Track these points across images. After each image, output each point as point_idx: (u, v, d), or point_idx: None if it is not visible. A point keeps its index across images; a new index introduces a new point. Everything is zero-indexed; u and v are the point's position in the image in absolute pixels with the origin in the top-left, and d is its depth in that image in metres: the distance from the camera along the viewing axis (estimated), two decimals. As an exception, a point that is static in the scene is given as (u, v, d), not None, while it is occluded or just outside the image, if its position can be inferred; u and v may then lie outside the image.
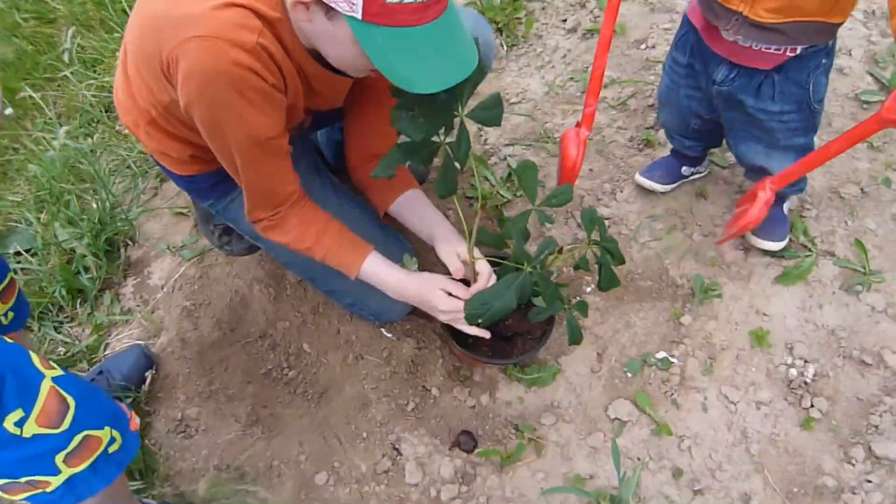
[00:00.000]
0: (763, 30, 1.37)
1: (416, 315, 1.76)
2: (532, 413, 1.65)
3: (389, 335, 1.77)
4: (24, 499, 1.04)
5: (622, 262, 1.48)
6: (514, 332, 1.66)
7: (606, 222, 1.91)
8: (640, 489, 1.53)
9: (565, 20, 2.43)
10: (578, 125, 1.63)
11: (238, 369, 1.80)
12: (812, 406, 1.60)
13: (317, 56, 1.30)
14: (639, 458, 1.56)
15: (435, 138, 1.22)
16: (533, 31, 2.41)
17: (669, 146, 1.93)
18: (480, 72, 1.75)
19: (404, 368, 1.72)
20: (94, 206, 2.04)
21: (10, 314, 1.35)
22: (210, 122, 1.25)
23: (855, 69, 2.15)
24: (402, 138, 1.21)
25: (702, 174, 1.97)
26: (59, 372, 1.04)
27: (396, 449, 1.62)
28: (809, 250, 1.81)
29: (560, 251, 1.50)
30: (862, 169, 1.95)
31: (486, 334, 1.51)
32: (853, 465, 1.52)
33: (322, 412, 1.72)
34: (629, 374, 1.68)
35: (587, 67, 2.27)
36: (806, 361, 1.66)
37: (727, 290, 1.77)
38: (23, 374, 0.98)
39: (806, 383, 1.63)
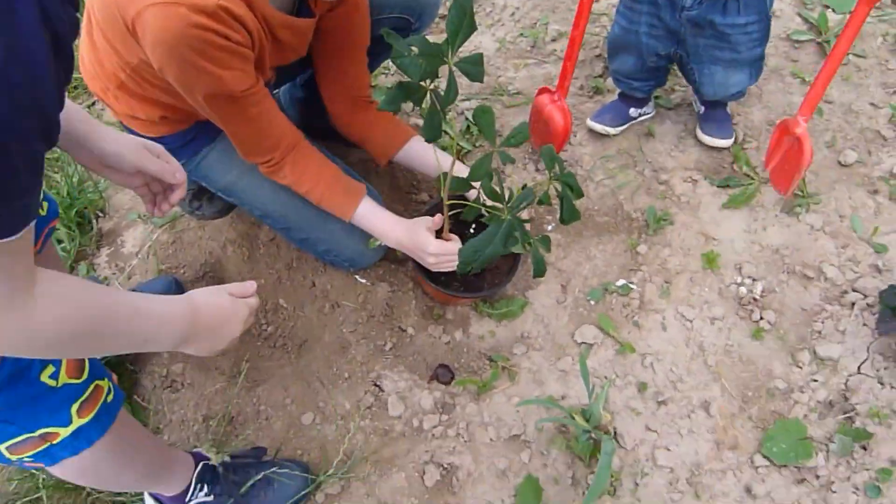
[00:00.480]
0: None
1: (388, 260, 1.84)
2: (504, 344, 1.75)
3: (364, 281, 1.84)
4: (29, 456, 1.05)
5: (581, 195, 1.57)
6: (483, 268, 1.74)
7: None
8: (608, 404, 1.63)
9: (513, -21, 2.52)
10: (548, 91, 1.72)
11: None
12: (761, 318, 1.72)
13: (278, 6, 1.37)
14: (606, 377, 1.67)
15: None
16: (484, -10, 2.50)
17: (617, 91, 2.04)
18: (431, 13, 1.85)
19: (380, 311, 1.80)
20: (60, 180, 2.06)
21: (45, 203, 1.32)
22: (183, 83, 1.32)
23: (786, 11, 2.29)
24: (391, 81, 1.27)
25: (649, 115, 2.08)
26: None
27: (378, 385, 1.70)
28: (752, 178, 1.94)
29: (524, 188, 1.60)
30: (796, 102, 2.08)
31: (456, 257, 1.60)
32: (800, 367, 1.66)
33: (304, 360, 1.78)
34: (592, 302, 1.78)
35: (535, 24, 2.37)
36: (754, 279, 1.79)
37: (678, 219, 1.89)
38: None
39: (755, 299, 1.76)
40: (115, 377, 1.21)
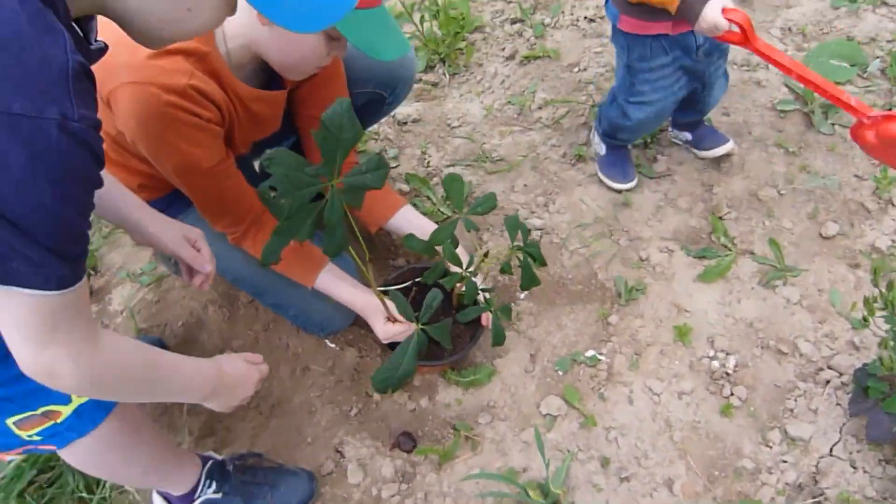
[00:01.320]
0: None
1: (358, 325, 1.86)
2: (469, 413, 1.74)
3: (333, 346, 1.87)
4: (37, 433, 1.09)
5: (543, 263, 1.60)
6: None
7: (538, 233, 2.02)
8: (569, 478, 1.60)
9: (504, 48, 2.58)
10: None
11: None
12: (732, 394, 1.69)
13: (248, 79, 1.45)
14: (568, 450, 1.64)
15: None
16: (474, 59, 2.56)
17: (602, 153, 2.07)
18: (405, 86, 1.91)
19: (347, 376, 1.81)
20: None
21: None
22: (154, 156, 1.41)
23: (772, 81, 2.29)
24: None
25: None
26: None
27: (340, 452, 1.70)
28: (729, 249, 1.92)
29: (486, 255, 1.62)
30: (779, 172, 2.07)
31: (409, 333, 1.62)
32: (770, 447, 1.61)
33: (273, 422, 1.79)
34: (560, 373, 1.77)
35: (524, 91, 2.41)
36: (727, 353, 1.76)
37: (652, 290, 1.87)
38: None
39: (727, 374, 1.72)
40: None
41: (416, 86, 2.52)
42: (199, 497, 1.52)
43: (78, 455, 1.23)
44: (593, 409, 1.70)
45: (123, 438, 1.25)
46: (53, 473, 1.68)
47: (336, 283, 1.66)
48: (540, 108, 2.36)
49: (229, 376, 1.29)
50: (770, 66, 2.31)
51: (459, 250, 1.56)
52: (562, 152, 2.23)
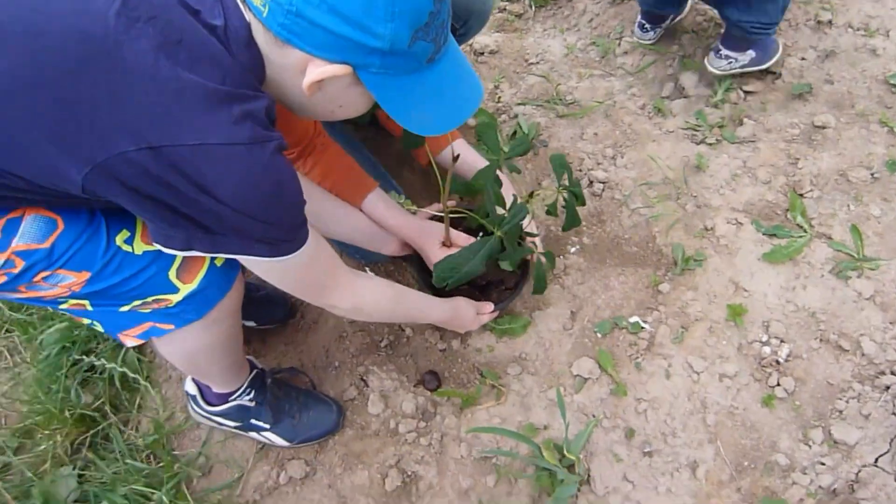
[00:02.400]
0: None
1: (402, 258, 1.83)
2: (499, 362, 1.70)
3: (372, 274, 1.84)
4: (147, 315, 1.15)
5: (582, 202, 1.52)
6: (489, 281, 1.71)
7: (601, 186, 1.92)
8: (589, 444, 1.56)
9: (598, -16, 2.41)
10: None
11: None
12: (778, 385, 1.58)
13: None
14: (593, 415, 1.59)
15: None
16: (563, -8, 2.40)
17: (678, 105, 1.95)
18: (480, 20, 1.80)
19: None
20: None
21: None
22: None
23: (889, 51, 2.06)
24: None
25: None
26: None
27: (364, 380, 1.70)
28: (804, 231, 1.77)
29: (531, 195, 1.54)
30: (877, 153, 1.88)
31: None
32: (809, 446, 1.51)
33: (308, 340, 1.81)
34: (599, 335, 1.70)
35: (610, 33, 2.26)
36: (781, 341, 1.64)
37: (711, 263, 1.76)
38: (119, 209, 1.07)
39: (777, 362, 1.62)
40: None
41: (498, 15, 2.40)
42: (234, 399, 1.56)
43: (173, 345, 1.30)
44: (626, 378, 1.63)
45: (215, 337, 1.32)
46: (90, 360, 1.75)
47: (386, 206, 1.63)
48: (625, 53, 2.20)
49: (458, 319, 1.58)
50: (891, 34, 2.09)
51: (507, 190, 1.50)
52: (640, 103, 2.08)
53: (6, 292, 1.05)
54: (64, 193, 0.92)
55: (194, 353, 1.36)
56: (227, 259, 1.18)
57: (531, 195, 1.54)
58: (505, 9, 2.40)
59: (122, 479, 1.59)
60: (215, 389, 1.57)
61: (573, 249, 1.84)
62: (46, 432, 1.69)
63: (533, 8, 2.38)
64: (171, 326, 1.18)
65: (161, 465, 1.61)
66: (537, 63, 2.24)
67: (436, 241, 1.59)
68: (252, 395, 1.57)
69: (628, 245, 1.83)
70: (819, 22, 2.12)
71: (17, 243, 0.98)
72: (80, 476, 1.63)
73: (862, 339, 1.61)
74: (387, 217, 1.63)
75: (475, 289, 1.70)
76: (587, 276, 1.79)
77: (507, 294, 1.68)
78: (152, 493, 1.55)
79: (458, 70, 1.08)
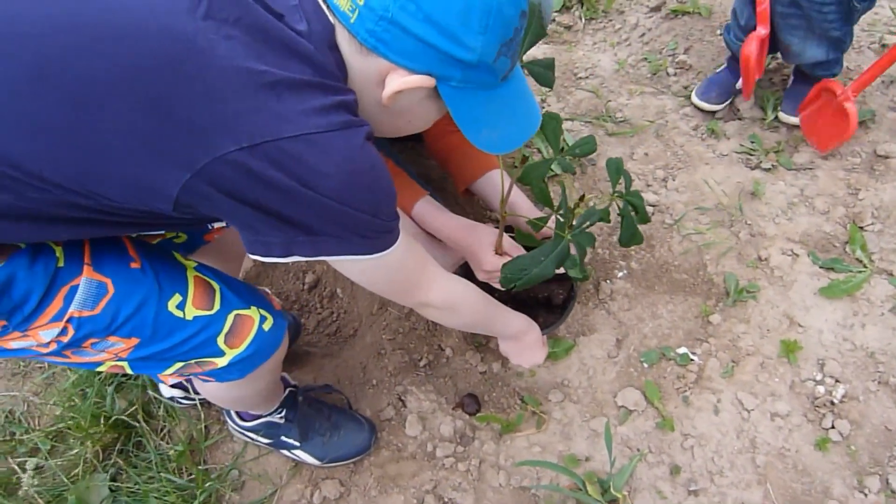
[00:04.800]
0: None
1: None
2: (541, 387, 1.65)
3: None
4: (190, 375, 1.15)
5: (646, 219, 1.45)
6: (535, 299, 1.65)
7: (651, 209, 1.86)
8: (633, 479, 1.51)
9: (650, -3, 2.35)
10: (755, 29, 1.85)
11: (277, 293, 1.89)
12: (832, 427, 1.52)
13: None
14: (638, 449, 1.54)
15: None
16: (615, 6, 2.34)
17: (733, 128, 1.91)
18: (539, 29, 1.75)
19: (423, 325, 1.76)
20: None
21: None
22: None
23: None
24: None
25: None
26: (195, 262, 1.14)
27: (402, 400, 1.66)
28: (864, 266, 1.70)
29: (581, 199, 1.45)
30: (944, 187, 1.80)
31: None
32: (865, 494, 1.45)
33: (344, 354, 1.78)
34: (645, 365, 1.64)
35: (663, 49, 2.20)
36: (836, 381, 1.58)
37: (764, 295, 1.70)
38: (170, 265, 1.08)
39: (832, 403, 1.55)
40: (276, 301, 1.28)
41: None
42: (264, 416, 1.54)
43: (210, 391, 1.31)
44: (673, 412, 1.58)
45: (254, 390, 1.33)
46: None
47: (438, 212, 1.58)
48: (678, 71, 2.14)
49: (527, 342, 1.52)
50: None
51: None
52: (693, 124, 2.02)
53: (52, 356, 1.02)
54: (151, 216, 0.88)
55: (229, 399, 1.36)
56: (275, 322, 1.17)
57: (581, 199, 1.44)
58: (554, 19, 2.34)
59: (154, 489, 1.57)
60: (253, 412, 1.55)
61: (620, 274, 1.78)
62: (80, 436, 1.68)
63: (583, 20, 2.33)
64: (212, 380, 1.17)
65: (192, 477, 1.58)
66: (587, 77, 2.19)
67: (489, 246, 1.52)
68: (283, 412, 1.54)
69: (678, 272, 1.77)
70: (884, 45, 2.05)
71: (72, 310, 0.95)
72: (111, 483, 1.62)
73: (923, 383, 1.55)
74: (438, 221, 1.57)
75: (521, 305, 1.65)
76: (634, 302, 1.74)
77: (554, 319, 1.63)
78: (185, 507, 1.53)
79: (523, 89, 1.06)
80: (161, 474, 1.58)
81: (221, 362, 1.11)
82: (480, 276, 1.54)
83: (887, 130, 1.90)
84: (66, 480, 1.61)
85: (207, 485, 1.56)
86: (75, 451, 1.67)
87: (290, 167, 0.82)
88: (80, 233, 0.94)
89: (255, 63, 0.81)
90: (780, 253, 1.75)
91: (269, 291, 1.27)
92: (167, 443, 1.66)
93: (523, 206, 1.62)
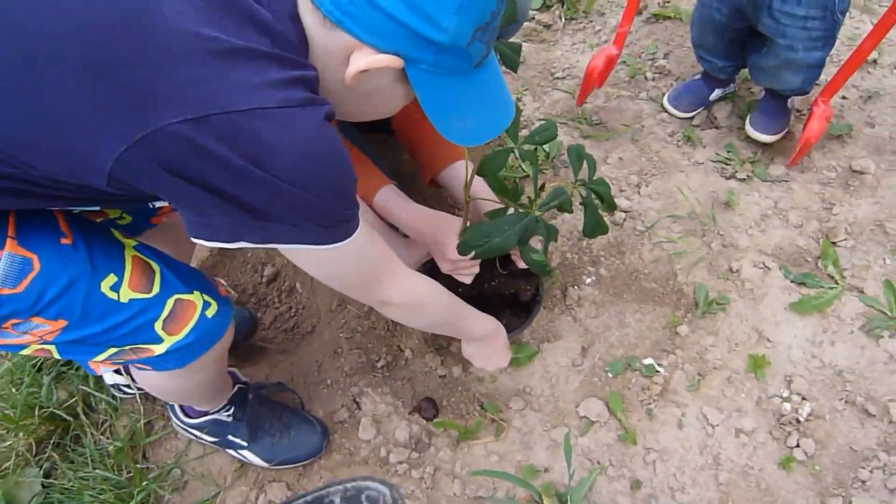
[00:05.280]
0: None
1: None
2: (502, 394, 1.60)
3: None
4: (125, 362, 1.07)
5: (613, 207, 1.37)
6: (502, 296, 1.59)
7: (623, 215, 1.82)
8: (591, 493, 1.45)
9: None
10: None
11: (234, 285, 1.81)
12: (797, 446, 1.48)
13: None
14: (598, 462, 1.49)
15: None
16: (596, 7, 2.30)
17: (709, 136, 1.87)
18: (515, 23, 1.69)
19: (383, 324, 1.69)
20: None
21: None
22: None
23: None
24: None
25: (730, 90, 2.02)
26: (135, 241, 1.06)
27: (357, 402, 1.60)
28: (836, 282, 1.67)
29: (542, 188, 1.37)
30: (922, 207, 1.78)
31: (475, 268, 1.47)
32: (828, 515, 1.41)
33: (300, 351, 1.71)
34: (610, 375, 1.59)
35: (642, 53, 2.15)
36: (803, 398, 1.54)
37: (734, 308, 1.66)
38: (107, 242, 1.00)
39: (797, 420, 1.51)
40: (223, 287, 1.18)
41: (526, 24, 2.29)
42: (211, 414, 1.46)
43: (149, 382, 1.24)
44: (636, 424, 1.53)
45: (195, 382, 1.25)
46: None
47: (401, 201, 1.49)
48: (656, 76, 2.10)
49: (492, 345, 1.44)
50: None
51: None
52: (670, 130, 1.98)
53: None
54: (82, 189, 0.81)
55: (170, 391, 1.28)
56: (220, 309, 1.09)
57: (542, 187, 1.36)
58: (534, 18, 2.29)
59: (89, 486, 1.48)
60: (199, 408, 1.48)
61: (589, 280, 1.73)
62: (12, 427, 1.58)
63: (563, 20, 2.28)
64: (148, 369, 1.09)
65: (130, 475, 1.50)
66: (563, 77, 2.14)
67: (453, 235, 1.42)
68: (231, 410, 1.46)
69: (647, 280, 1.72)
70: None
71: None
72: (44, 479, 1.53)
73: (891, 404, 1.51)
74: (402, 210, 1.48)
75: (486, 304, 1.58)
76: (602, 310, 1.69)
77: (519, 323, 1.57)
78: (121, 506, 1.45)
79: (497, 78, 0.99)
80: (97, 471, 1.50)
81: (159, 350, 1.03)
82: (444, 268, 1.47)
83: (863, 146, 1.87)
84: (-6, 474, 1.52)
85: (145, 483, 1.47)
86: (8, 443, 1.58)
87: (241, 143, 0.75)
88: (2, 203, 0.86)
89: (207, 28, 0.74)
90: (752, 265, 1.71)
91: (219, 280, 1.19)
92: (107, 438, 1.57)
93: (488, 194, 1.55)
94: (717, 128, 1.99)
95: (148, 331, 1.00)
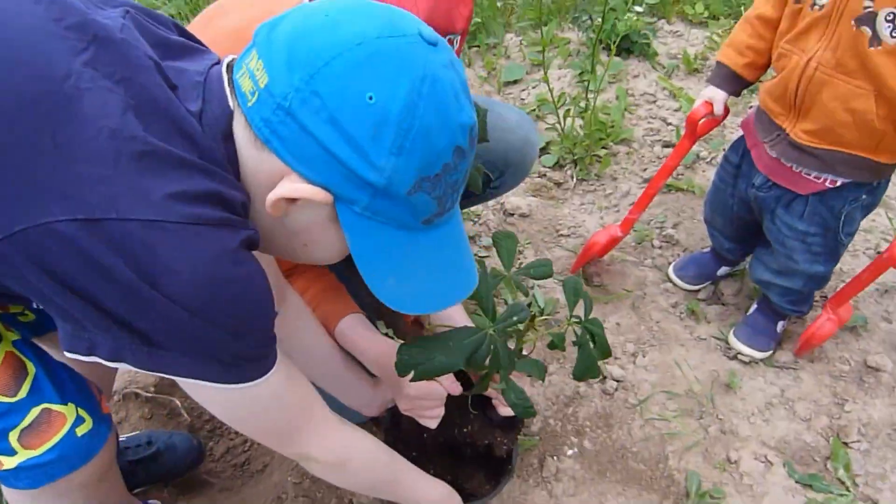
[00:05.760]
0: (802, 152, 1.40)
1: (371, 422, 1.58)
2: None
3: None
4: None
5: (607, 354, 1.21)
6: (473, 448, 1.42)
7: (615, 384, 1.68)
8: None
9: (646, 169, 2.29)
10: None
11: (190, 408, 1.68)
12: None
13: None
14: None
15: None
16: (608, 171, 2.29)
17: (714, 312, 1.77)
18: (517, 175, 1.65)
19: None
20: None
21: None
22: None
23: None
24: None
25: (739, 268, 1.95)
26: (18, 336, 0.94)
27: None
28: (847, 489, 1.48)
29: (532, 320, 1.21)
30: (945, 412, 1.62)
31: (439, 409, 1.30)
32: None
33: (245, 491, 1.54)
34: (582, 566, 1.39)
35: (651, 220, 2.11)
36: None
37: (730, 504, 1.47)
38: None
39: None
40: (105, 404, 1.04)
41: (537, 180, 2.28)
42: None
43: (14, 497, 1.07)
44: None
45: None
46: None
47: (364, 330, 1.34)
48: (664, 244, 2.04)
49: None
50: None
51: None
52: (673, 301, 1.88)
53: None
54: None
55: None
56: (94, 429, 0.96)
57: (532, 319, 1.20)
58: (545, 175, 2.29)
59: None
60: None
61: (570, 452, 1.57)
62: None
63: (574, 179, 2.27)
64: None
65: None
66: (569, 236, 2.08)
67: None
68: None
69: (635, 460, 1.55)
70: (879, 252, 1.94)
71: None
72: None
73: None
74: (363, 340, 1.33)
75: (455, 455, 1.42)
76: (581, 488, 1.51)
77: (490, 486, 1.40)
78: None
79: (455, 246, 0.88)
80: None
81: (9, 463, 0.90)
82: (402, 406, 1.32)
83: (879, 341, 1.75)
84: None
85: None
86: None
87: (135, 256, 0.66)
88: None
89: (131, 124, 0.68)
90: (753, 458, 1.54)
91: (101, 393, 1.03)
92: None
93: (457, 317, 1.40)
94: (723, 304, 1.89)
95: (1, 440, 0.88)
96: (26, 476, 0.92)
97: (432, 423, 1.31)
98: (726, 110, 1.60)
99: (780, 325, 1.74)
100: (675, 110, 2.51)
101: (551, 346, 1.20)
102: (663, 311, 1.86)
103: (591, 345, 1.19)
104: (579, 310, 1.18)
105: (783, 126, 1.41)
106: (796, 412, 1.62)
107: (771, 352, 1.74)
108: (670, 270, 1.92)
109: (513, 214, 2.16)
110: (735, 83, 1.55)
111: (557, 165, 2.33)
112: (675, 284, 1.91)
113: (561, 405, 1.66)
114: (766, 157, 1.50)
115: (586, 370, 1.19)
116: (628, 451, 1.57)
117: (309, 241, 0.83)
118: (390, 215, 0.76)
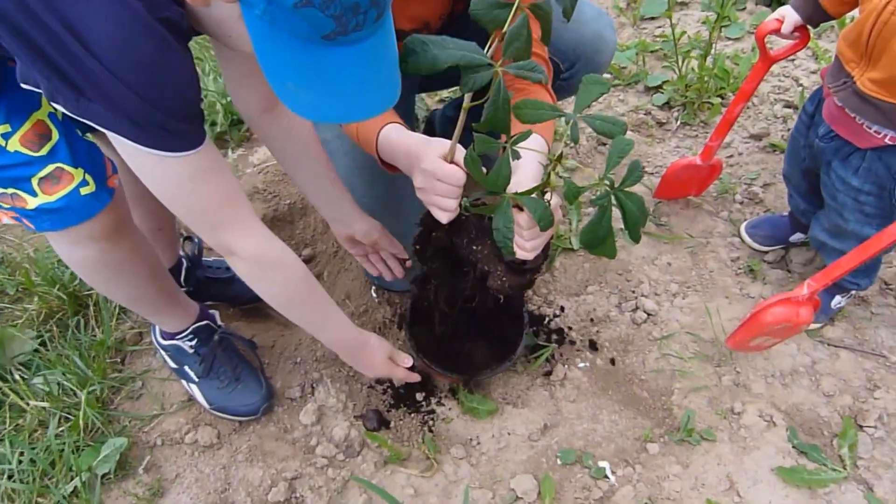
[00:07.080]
0: (865, 102, 1.34)
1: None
2: (449, 437, 1.56)
3: (374, 296, 1.80)
4: (9, 208, 1.16)
5: (636, 236, 1.06)
6: (490, 316, 1.47)
7: (644, 316, 1.73)
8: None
9: (755, 125, 2.21)
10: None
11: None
12: None
13: None
14: (509, 537, 1.41)
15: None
16: (716, 120, 2.24)
17: (775, 276, 1.78)
18: (590, 68, 1.65)
19: (369, 329, 1.72)
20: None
21: None
22: None
23: None
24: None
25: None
26: (52, 110, 1.11)
27: (313, 387, 1.63)
28: (843, 467, 1.47)
29: (559, 158, 1.09)
30: (977, 425, 1.54)
31: (457, 188, 1.19)
32: None
33: (293, 327, 1.77)
34: (559, 461, 1.51)
35: (743, 175, 2.06)
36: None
37: (718, 448, 1.51)
38: (19, 98, 1.05)
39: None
40: (113, 180, 1.20)
41: (641, 116, 2.28)
42: (174, 339, 1.56)
43: (63, 252, 1.26)
44: (560, 518, 1.43)
45: (113, 261, 1.27)
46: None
47: (401, 129, 1.31)
48: (746, 200, 2.00)
49: (365, 357, 1.43)
50: None
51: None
52: (735, 255, 1.87)
53: None
54: None
55: (80, 268, 1.30)
56: (95, 192, 1.14)
57: (559, 158, 1.09)
58: (650, 112, 2.28)
59: (65, 365, 1.63)
60: (161, 326, 1.57)
61: (582, 365, 1.66)
62: (32, 290, 1.78)
63: (678, 122, 2.24)
64: (32, 227, 1.16)
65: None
66: (652, 173, 2.09)
67: (436, 153, 1.19)
68: (194, 342, 1.55)
69: (641, 388, 1.62)
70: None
71: None
72: (37, 346, 1.70)
73: None
74: (399, 138, 1.29)
75: (471, 320, 1.54)
76: (581, 397, 1.61)
77: (488, 369, 1.55)
78: (79, 390, 1.58)
79: (367, 67, 0.90)
80: (74, 357, 1.64)
81: (31, 203, 1.10)
82: (417, 182, 1.23)
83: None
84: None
85: (104, 381, 1.60)
86: (24, 303, 1.77)
87: (62, 9, 0.81)
88: None
89: None
90: (758, 414, 1.56)
91: (115, 173, 1.22)
92: (102, 333, 1.72)
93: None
94: (788, 271, 1.85)
95: (24, 182, 1.08)
96: (46, 219, 1.13)
97: (443, 217, 1.21)
98: (804, 39, 1.55)
99: (836, 301, 1.69)
100: (812, 72, 2.37)
101: (566, 197, 1.03)
102: (721, 262, 1.86)
103: (624, 211, 1.01)
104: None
105: (852, 73, 1.34)
106: (820, 385, 1.60)
107: (819, 325, 1.70)
108: (742, 227, 1.90)
109: (604, 144, 2.19)
110: (812, 9, 1.48)
111: (667, 105, 2.30)
112: (743, 241, 1.89)
113: (588, 322, 1.74)
114: (833, 106, 1.44)
115: (596, 239, 1.06)
116: (637, 377, 1.64)
117: (231, 33, 0.93)
118: (286, 25, 0.82)
